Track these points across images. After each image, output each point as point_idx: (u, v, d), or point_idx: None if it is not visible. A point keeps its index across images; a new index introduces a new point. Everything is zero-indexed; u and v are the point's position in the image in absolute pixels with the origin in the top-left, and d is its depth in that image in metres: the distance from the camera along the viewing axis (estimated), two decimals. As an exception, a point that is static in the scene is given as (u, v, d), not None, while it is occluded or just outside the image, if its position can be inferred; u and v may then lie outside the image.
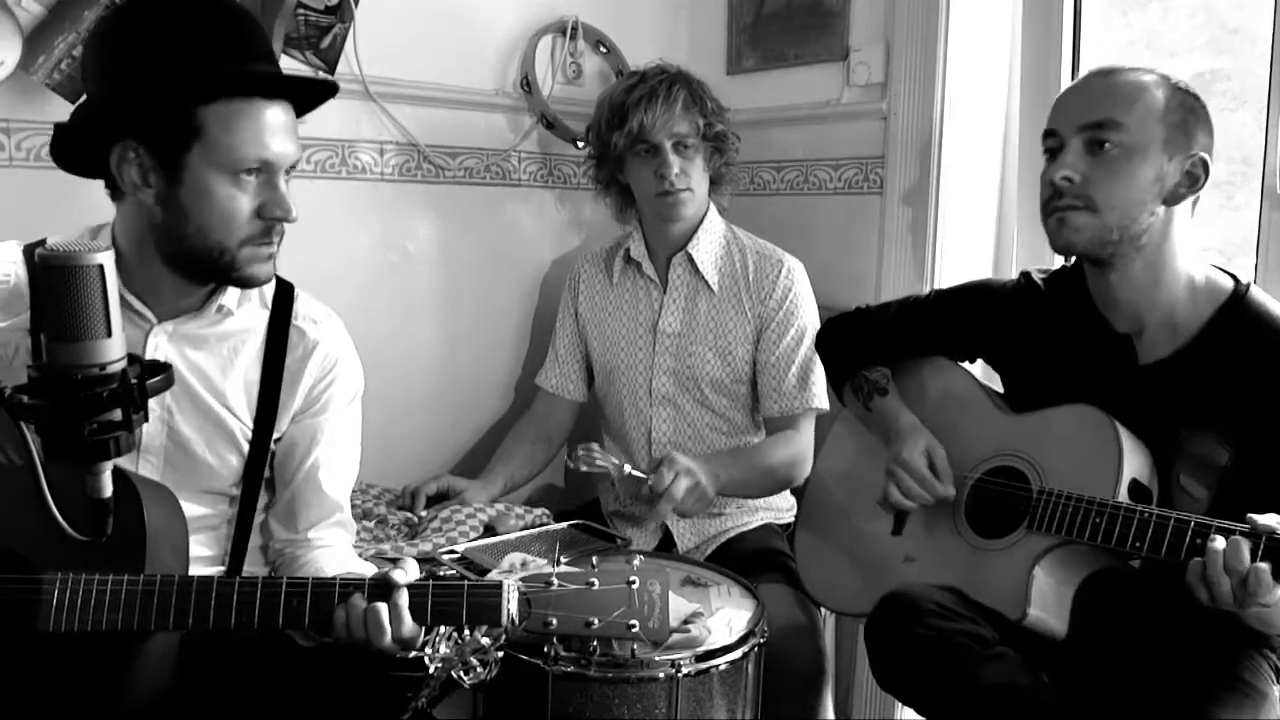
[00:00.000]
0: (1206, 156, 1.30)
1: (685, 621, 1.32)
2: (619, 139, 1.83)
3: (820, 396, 1.88)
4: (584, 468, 1.68)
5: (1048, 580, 1.35)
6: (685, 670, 1.28)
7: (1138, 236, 1.32)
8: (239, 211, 1.19)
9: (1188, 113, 1.30)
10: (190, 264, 1.22)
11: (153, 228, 1.20)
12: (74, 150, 1.21)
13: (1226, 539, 1.13)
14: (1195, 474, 1.31)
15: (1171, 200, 1.31)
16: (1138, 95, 1.30)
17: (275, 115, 1.19)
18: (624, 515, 1.97)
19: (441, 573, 1.54)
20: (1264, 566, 1.10)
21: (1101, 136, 1.30)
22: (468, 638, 1.11)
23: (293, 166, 1.24)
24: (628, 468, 1.69)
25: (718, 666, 1.31)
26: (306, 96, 1.27)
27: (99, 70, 1.19)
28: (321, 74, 1.84)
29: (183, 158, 1.16)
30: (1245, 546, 1.11)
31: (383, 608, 1.07)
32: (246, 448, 1.32)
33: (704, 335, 1.91)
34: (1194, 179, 1.31)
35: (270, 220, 1.21)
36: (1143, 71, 1.33)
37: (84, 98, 1.23)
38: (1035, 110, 2.02)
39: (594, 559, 1.13)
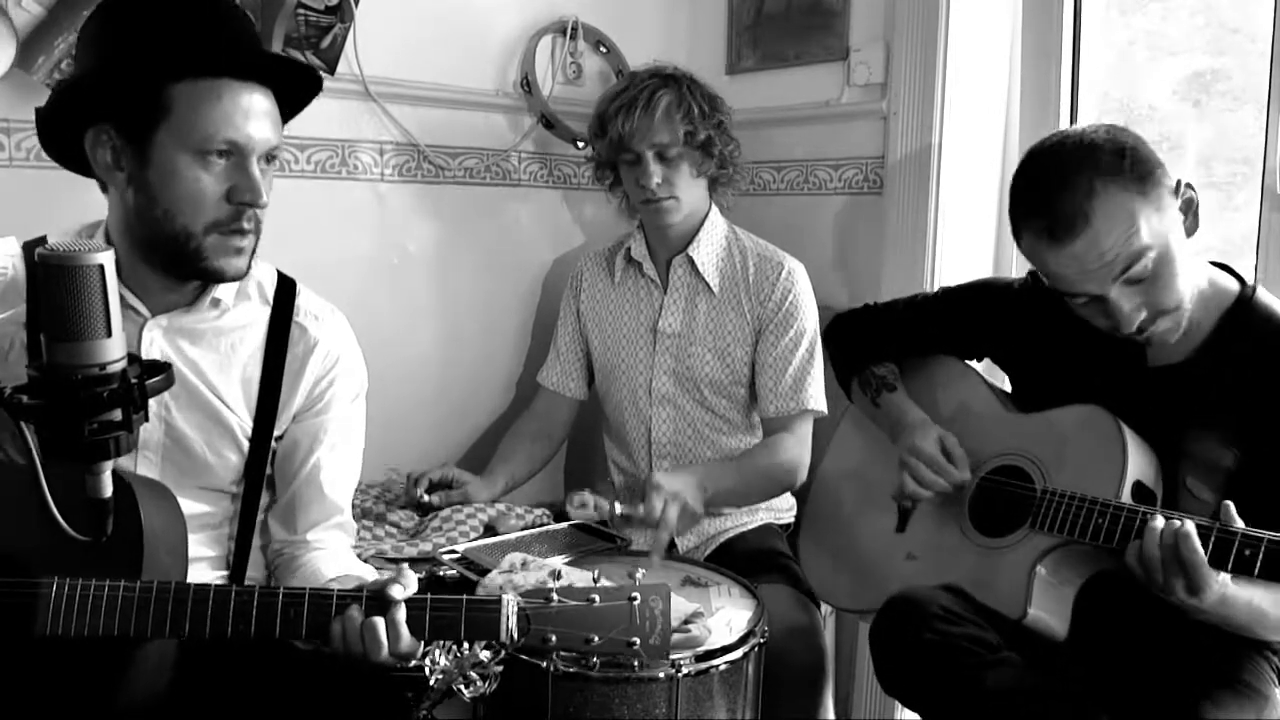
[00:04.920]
0: (1179, 179, 1.27)
1: (685, 621, 1.32)
2: (603, 148, 1.85)
3: (817, 398, 1.88)
4: (579, 519, 1.74)
5: (1049, 580, 1.35)
6: (685, 670, 1.28)
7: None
8: (205, 194, 1.17)
9: (1142, 175, 1.24)
10: (161, 252, 1.20)
11: (128, 215, 1.20)
12: (57, 138, 1.21)
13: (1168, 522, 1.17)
14: (1201, 476, 1.31)
15: (1190, 233, 1.29)
16: (1121, 214, 1.23)
17: (247, 98, 1.17)
18: (624, 516, 1.97)
19: (442, 573, 1.54)
20: (1191, 530, 1.15)
21: (1135, 275, 1.26)
22: (466, 652, 1.10)
23: (273, 156, 1.22)
24: (619, 507, 1.68)
25: (718, 666, 1.31)
26: (289, 86, 1.25)
27: (79, 53, 1.20)
28: (321, 71, 1.84)
29: (151, 138, 1.15)
30: (1192, 531, 1.15)
31: (380, 623, 1.06)
32: (246, 445, 1.31)
33: (703, 336, 1.90)
34: (1189, 203, 1.28)
35: (239, 204, 1.18)
36: (1096, 188, 1.23)
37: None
38: (1035, 110, 2.02)
39: (595, 571, 1.13)
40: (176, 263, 1.21)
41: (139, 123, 1.15)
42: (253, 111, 1.18)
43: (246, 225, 1.20)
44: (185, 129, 1.14)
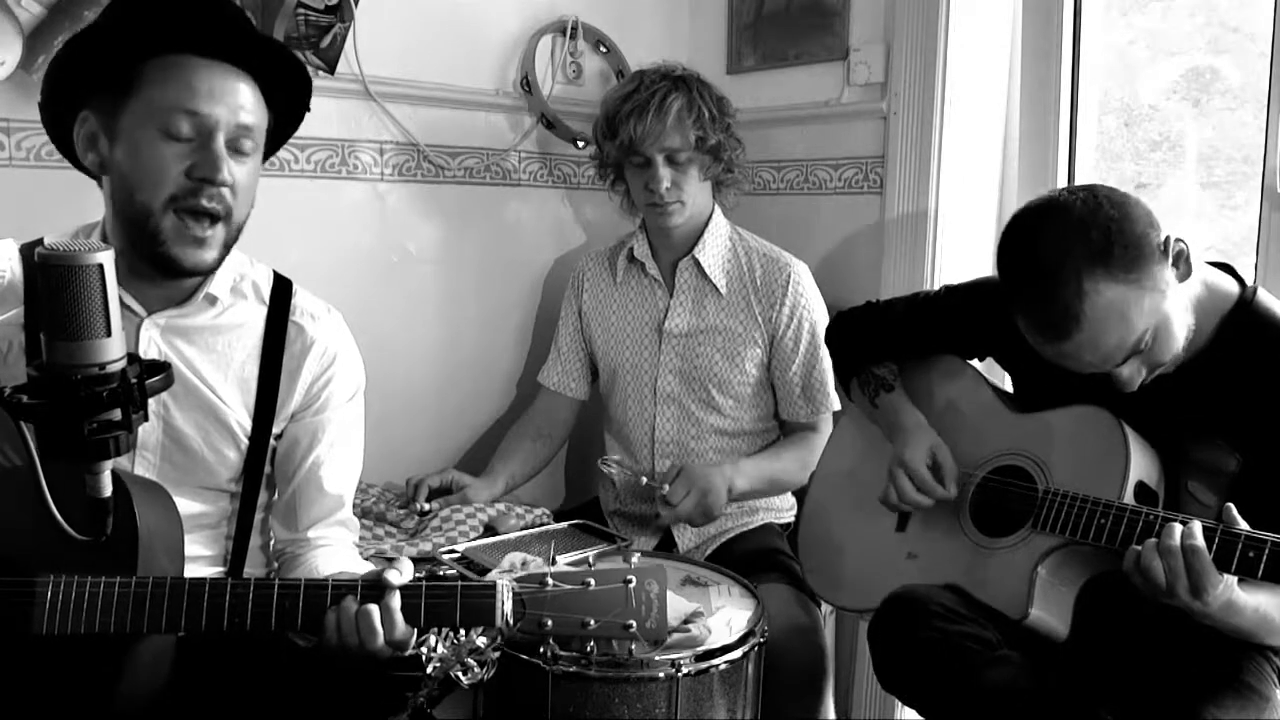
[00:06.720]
0: (1167, 237, 1.23)
1: (685, 621, 1.32)
2: (611, 150, 1.84)
3: (836, 398, 1.93)
4: (614, 472, 1.88)
5: (1050, 580, 1.35)
6: (685, 670, 1.28)
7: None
8: (164, 168, 1.16)
9: (1130, 262, 1.20)
10: (132, 238, 1.19)
11: (112, 207, 1.20)
12: (61, 135, 1.22)
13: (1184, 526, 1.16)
14: (1204, 480, 1.31)
15: (1184, 279, 1.26)
16: (1114, 313, 1.21)
17: (215, 76, 1.17)
18: (624, 515, 1.97)
19: (442, 572, 1.54)
20: (1199, 538, 1.13)
21: (1140, 348, 1.25)
22: (464, 638, 1.10)
23: (242, 138, 1.20)
24: (644, 480, 1.82)
25: (718, 666, 1.31)
26: (277, 76, 1.24)
27: None
28: (321, 71, 1.84)
29: (121, 117, 1.16)
30: (1197, 530, 1.14)
31: (375, 610, 1.06)
32: (245, 443, 1.31)
33: (712, 337, 1.90)
34: (1179, 255, 1.24)
35: (199, 180, 1.17)
36: (1085, 288, 1.20)
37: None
38: (1035, 110, 2.02)
39: (591, 558, 1.13)
40: (143, 247, 1.19)
41: (112, 100, 1.16)
42: (221, 91, 1.17)
43: (207, 203, 1.18)
44: (151, 104, 1.15)
